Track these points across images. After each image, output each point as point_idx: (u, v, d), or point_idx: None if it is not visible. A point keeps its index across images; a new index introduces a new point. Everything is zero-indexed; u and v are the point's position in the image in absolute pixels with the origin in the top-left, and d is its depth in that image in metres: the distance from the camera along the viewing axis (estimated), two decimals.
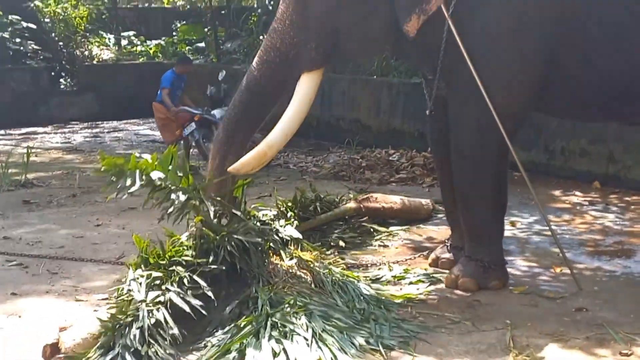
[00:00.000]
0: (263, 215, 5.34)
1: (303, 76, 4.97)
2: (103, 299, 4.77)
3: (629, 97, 4.95)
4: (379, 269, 5.42)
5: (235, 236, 4.56)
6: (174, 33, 17.80)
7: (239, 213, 4.80)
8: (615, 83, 4.88)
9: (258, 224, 4.98)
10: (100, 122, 14.60)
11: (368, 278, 5.13)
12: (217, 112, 9.44)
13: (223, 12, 16.06)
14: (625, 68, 4.81)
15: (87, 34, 16.38)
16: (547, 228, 6.36)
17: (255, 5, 14.58)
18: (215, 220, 4.73)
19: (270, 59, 4.99)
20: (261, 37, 14.08)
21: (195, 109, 9.67)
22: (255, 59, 5.10)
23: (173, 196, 4.49)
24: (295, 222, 5.67)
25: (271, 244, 4.83)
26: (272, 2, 13.56)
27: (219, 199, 4.81)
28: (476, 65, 4.65)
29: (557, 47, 4.78)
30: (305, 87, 4.98)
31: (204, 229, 4.56)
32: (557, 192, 8.03)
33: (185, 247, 4.57)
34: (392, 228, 6.47)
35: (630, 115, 5.30)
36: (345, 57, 5.24)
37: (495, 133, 4.79)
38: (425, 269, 5.38)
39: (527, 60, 4.79)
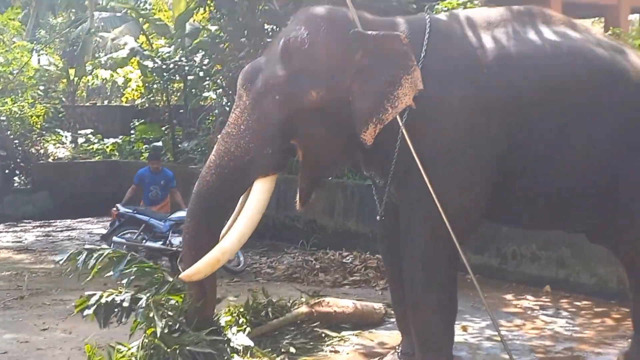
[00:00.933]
0: (215, 322, 5.30)
1: (257, 181, 4.98)
2: None
3: (572, 207, 5.08)
4: None
5: (187, 348, 4.52)
6: (132, 131, 17.87)
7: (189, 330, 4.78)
8: (559, 194, 5.02)
9: (209, 332, 4.94)
10: (53, 221, 14.44)
11: None
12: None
13: (181, 111, 16.19)
14: (568, 180, 4.97)
15: (44, 132, 16.38)
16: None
17: (213, 105, 14.71)
18: (167, 330, 4.70)
19: (224, 164, 4.99)
20: (219, 137, 14.15)
21: (130, 207, 9.63)
22: (208, 164, 5.09)
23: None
24: (248, 329, 5.63)
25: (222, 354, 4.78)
26: (228, 103, 13.70)
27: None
28: (428, 173, 4.72)
29: (506, 159, 4.90)
30: (260, 192, 4.98)
31: (156, 340, 4.51)
32: (509, 296, 8.07)
33: (134, 358, 4.50)
34: (343, 333, 6.43)
35: (576, 224, 5.43)
36: (316, 170, 5.19)
37: (446, 240, 4.84)
38: None
39: (477, 170, 4.88)
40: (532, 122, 4.92)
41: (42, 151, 15.84)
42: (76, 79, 18.83)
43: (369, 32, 4.84)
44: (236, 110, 5.03)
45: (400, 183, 4.95)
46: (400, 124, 4.76)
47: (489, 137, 4.85)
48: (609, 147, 5.03)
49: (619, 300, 7.54)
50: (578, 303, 7.77)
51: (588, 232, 5.70)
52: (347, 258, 9.50)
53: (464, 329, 6.66)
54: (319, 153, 4.99)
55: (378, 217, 5.29)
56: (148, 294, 5.21)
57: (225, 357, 4.77)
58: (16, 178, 14.91)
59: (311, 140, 4.93)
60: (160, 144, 16.54)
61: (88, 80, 20.31)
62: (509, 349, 5.18)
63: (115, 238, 9.29)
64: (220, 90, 14.22)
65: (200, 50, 14.08)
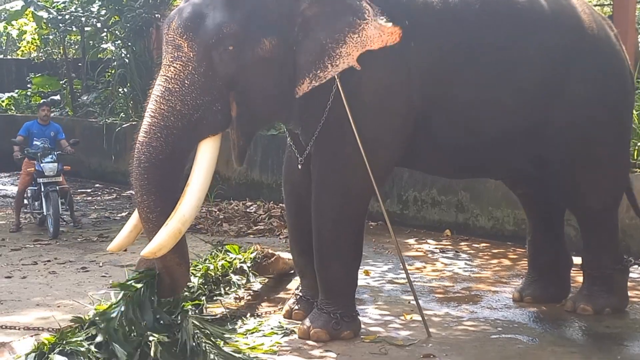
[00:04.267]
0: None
1: (205, 141, 4.61)
2: None
3: (492, 155, 5.29)
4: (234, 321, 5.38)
5: None
6: (28, 85, 17.39)
7: None
8: (479, 143, 5.17)
9: None
10: None
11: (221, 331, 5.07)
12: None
13: (79, 64, 15.81)
14: (494, 130, 5.13)
15: None
16: (400, 276, 6.55)
17: (112, 57, 14.41)
18: None
19: (170, 124, 4.47)
20: (120, 90, 13.96)
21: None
22: (148, 128, 4.49)
23: None
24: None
25: None
26: (128, 55, 13.45)
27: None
28: (348, 125, 4.70)
29: (425, 110, 4.96)
30: (208, 152, 4.61)
31: None
32: (410, 241, 8.24)
33: None
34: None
35: (494, 171, 5.69)
36: (255, 123, 4.97)
37: (357, 193, 4.92)
38: (279, 322, 5.37)
39: (394, 122, 4.92)
40: (453, 76, 5.00)
41: None
42: None
43: None
44: (175, 64, 4.52)
45: (322, 134, 4.89)
46: (336, 77, 4.67)
47: (408, 91, 4.89)
48: (535, 95, 5.15)
49: (515, 242, 7.82)
50: (477, 245, 8.00)
51: (509, 178, 5.90)
52: (251, 207, 9.55)
53: (367, 273, 6.78)
54: (258, 106, 4.74)
55: (299, 165, 5.13)
56: None
57: None
58: None
59: (252, 92, 4.66)
60: (57, 97, 16.16)
61: None
62: (414, 288, 5.26)
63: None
64: (119, 41, 13.94)
65: (97, 1, 13.74)
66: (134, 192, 4.63)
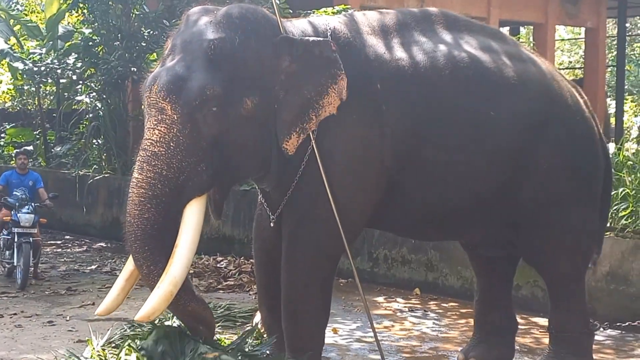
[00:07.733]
0: None
1: (192, 202, 4.62)
2: None
3: (464, 218, 5.28)
4: None
5: None
6: (2, 135, 17.36)
7: None
8: (451, 206, 5.18)
9: None
10: None
11: None
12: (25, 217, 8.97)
13: (54, 115, 15.83)
14: (460, 192, 5.14)
15: None
16: (368, 335, 6.55)
17: (86, 109, 14.43)
18: None
19: (158, 192, 4.53)
20: (93, 142, 13.96)
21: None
22: (137, 199, 4.53)
23: None
24: None
25: None
26: (103, 108, 13.49)
27: None
28: (321, 184, 4.73)
29: (397, 172, 4.99)
30: (196, 213, 4.62)
31: None
32: (380, 299, 8.26)
33: None
34: None
35: (465, 234, 5.62)
36: (233, 178, 4.97)
37: (328, 251, 4.94)
38: None
39: (367, 183, 4.94)
40: (425, 139, 5.01)
41: None
42: None
43: (297, 38, 4.78)
44: (159, 126, 4.55)
45: (295, 192, 4.91)
46: (312, 137, 4.73)
47: (382, 153, 4.92)
48: (505, 159, 5.15)
49: None
50: (445, 305, 8.02)
51: (477, 242, 5.76)
52: (222, 263, 9.53)
53: (335, 331, 6.78)
54: (239, 163, 4.79)
55: (271, 224, 5.12)
56: None
57: None
58: None
59: (235, 150, 4.71)
60: (31, 148, 16.13)
61: None
62: (381, 348, 5.28)
63: None
64: (94, 94, 13.99)
65: (73, 53, 13.81)
66: (137, 264, 4.64)
